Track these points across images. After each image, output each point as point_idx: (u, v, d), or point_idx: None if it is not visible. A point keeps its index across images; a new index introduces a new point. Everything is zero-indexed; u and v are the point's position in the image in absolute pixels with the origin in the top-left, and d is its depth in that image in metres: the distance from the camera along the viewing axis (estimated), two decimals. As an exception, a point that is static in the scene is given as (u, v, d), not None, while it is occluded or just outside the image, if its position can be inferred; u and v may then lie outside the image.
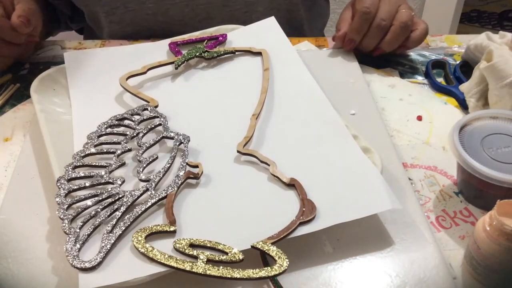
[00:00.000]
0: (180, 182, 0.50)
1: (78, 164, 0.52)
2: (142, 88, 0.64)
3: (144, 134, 0.56)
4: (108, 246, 0.45)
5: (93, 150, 0.54)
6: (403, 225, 0.50)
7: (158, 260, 0.43)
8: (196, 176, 0.51)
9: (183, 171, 0.51)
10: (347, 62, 0.71)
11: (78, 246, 0.45)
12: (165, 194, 0.49)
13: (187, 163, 0.52)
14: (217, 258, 0.44)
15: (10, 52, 0.69)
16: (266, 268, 0.43)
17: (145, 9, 0.78)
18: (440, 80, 0.69)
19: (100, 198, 0.49)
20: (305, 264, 0.47)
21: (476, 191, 0.51)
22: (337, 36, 0.70)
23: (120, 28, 0.80)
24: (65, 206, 0.48)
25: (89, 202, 0.48)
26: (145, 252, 0.44)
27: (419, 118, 0.63)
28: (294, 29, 0.86)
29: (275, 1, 0.81)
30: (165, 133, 0.56)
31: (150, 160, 0.52)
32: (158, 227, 0.46)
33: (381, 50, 0.69)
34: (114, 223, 0.47)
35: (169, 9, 0.79)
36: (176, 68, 0.66)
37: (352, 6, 0.71)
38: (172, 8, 0.79)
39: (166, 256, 0.44)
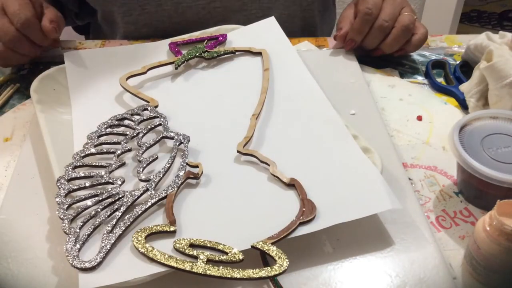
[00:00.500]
0: (180, 182, 0.50)
1: (78, 164, 0.52)
2: (142, 88, 0.64)
3: (144, 134, 0.56)
4: (108, 246, 0.45)
5: (93, 150, 0.54)
6: (403, 225, 0.50)
7: (158, 260, 0.43)
8: (196, 176, 0.51)
9: (183, 171, 0.51)
10: (347, 62, 0.71)
11: (78, 246, 0.45)
12: (165, 194, 0.49)
13: (187, 163, 0.52)
14: (217, 258, 0.44)
15: (32, 52, 0.69)
16: (266, 268, 0.43)
17: (161, 11, 0.78)
18: (440, 80, 0.69)
19: (100, 198, 0.49)
20: (305, 264, 0.47)
21: (476, 191, 0.51)
22: (338, 36, 0.70)
23: (135, 29, 0.80)
24: (65, 206, 0.48)
25: (89, 202, 0.48)
26: (145, 252, 0.44)
27: (419, 118, 0.63)
28: (308, 34, 0.86)
29: (290, 7, 0.81)
30: (165, 133, 0.56)
31: (150, 160, 0.52)
32: (158, 227, 0.46)
33: (381, 51, 0.69)
34: (114, 223, 0.47)
35: (186, 12, 0.79)
36: (176, 68, 0.66)
37: (355, 4, 0.71)
38: (189, 10, 0.79)
39: (166, 256, 0.44)
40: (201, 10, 0.79)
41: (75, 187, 0.50)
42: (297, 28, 0.83)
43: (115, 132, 0.56)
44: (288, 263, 0.43)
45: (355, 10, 0.70)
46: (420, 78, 0.70)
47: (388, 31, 0.67)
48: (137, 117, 0.58)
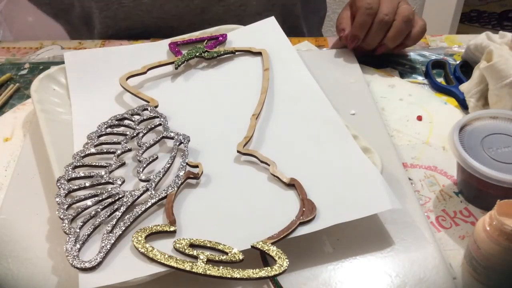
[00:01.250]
0: (180, 182, 0.50)
1: (78, 164, 0.52)
2: (142, 88, 0.64)
3: (144, 134, 0.56)
4: (108, 246, 0.45)
5: (93, 150, 0.54)
6: (403, 225, 0.50)
7: (158, 260, 0.43)
8: (196, 176, 0.51)
9: (183, 171, 0.51)
10: (347, 62, 0.71)
11: (78, 246, 0.45)
12: (165, 194, 0.49)
13: (187, 163, 0.52)
14: (217, 258, 0.44)
15: None
16: (266, 268, 0.43)
17: (140, 5, 0.79)
18: (440, 80, 0.69)
19: (100, 198, 0.49)
20: (305, 264, 0.47)
21: (476, 191, 0.51)
22: (343, 36, 0.70)
23: (114, 23, 0.80)
24: (65, 206, 0.48)
25: (89, 202, 0.48)
26: (145, 252, 0.44)
27: (419, 118, 0.63)
28: (290, 24, 0.86)
29: None
30: (165, 133, 0.56)
31: (150, 160, 0.52)
32: (158, 227, 0.46)
33: (385, 47, 0.69)
34: (114, 223, 0.47)
35: (164, 5, 0.79)
36: (176, 68, 0.66)
37: (350, 6, 0.71)
38: (167, 3, 0.79)
39: (166, 256, 0.44)
40: (180, 3, 0.79)
41: (75, 187, 0.50)
42: (278, 17, 0.83)
43: (115, 132, 0.56)
44: (288, 263, 0.43)
45: (351, 11, 0.70)
46: (420, 78, 0.70)
47: (390, 25, 0.67)
48: (137, 117, 0.58)
